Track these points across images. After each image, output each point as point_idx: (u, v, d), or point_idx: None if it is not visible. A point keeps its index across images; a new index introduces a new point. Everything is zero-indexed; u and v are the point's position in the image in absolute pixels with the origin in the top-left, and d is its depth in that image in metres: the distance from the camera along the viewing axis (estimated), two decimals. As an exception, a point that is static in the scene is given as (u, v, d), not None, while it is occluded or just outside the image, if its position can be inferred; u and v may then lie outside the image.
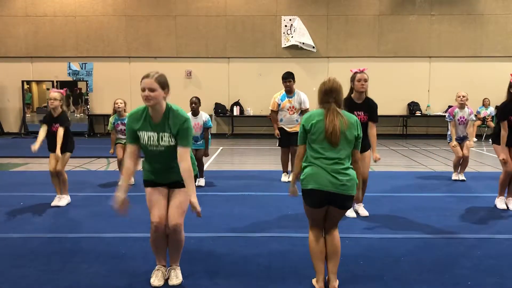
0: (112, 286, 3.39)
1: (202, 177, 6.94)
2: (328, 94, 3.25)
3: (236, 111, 14.40)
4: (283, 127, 7.12)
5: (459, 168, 7.38)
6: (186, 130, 3.20)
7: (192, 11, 14.35)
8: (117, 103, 6.75)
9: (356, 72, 4.95)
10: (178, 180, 3.28)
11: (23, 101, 14.65)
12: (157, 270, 3.42)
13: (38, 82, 15.35)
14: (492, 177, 7.63)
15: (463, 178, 7.32)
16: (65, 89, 5.95)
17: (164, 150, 3.24)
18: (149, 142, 3.23)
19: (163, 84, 3.18)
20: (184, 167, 3.16)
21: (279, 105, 7.04)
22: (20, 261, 3.86)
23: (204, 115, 6.77)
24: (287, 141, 7.11)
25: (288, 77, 6.94)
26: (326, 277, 3.33)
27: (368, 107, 4.99)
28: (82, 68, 14.59)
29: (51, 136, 5.71)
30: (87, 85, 14.62)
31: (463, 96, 7.23)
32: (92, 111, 14.73)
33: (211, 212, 5.45)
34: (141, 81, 3.16)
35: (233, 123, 14.72)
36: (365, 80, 4.90)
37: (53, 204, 5.65)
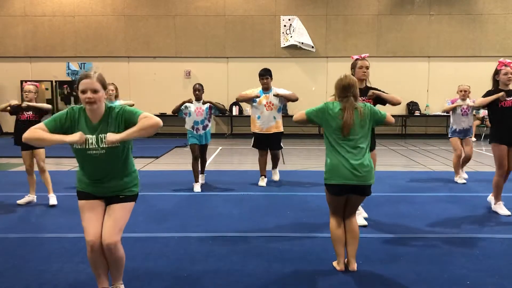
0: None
1: (203, 173, 6.92)
2: (347, 89, 3.51)
3: (235, 111, 14.40)
4: (260, 130, 6.84)
5: (461, 164, 7.16)
6: (129, 112, 2.90)
7: (191, 11, 14.35)
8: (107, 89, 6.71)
9: (357, 59, 4.76)
10: (118, 192, 2.99)
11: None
12: None
13: (37, 82, 15.32)
14: (491, 176, 7.63)
15: (465, 175, 7.20)
16: (37, 84, 6.13)
17: (104, 153, 2.88)
18: (87, 146, 2.86)
19: (104, 83, 2.92)
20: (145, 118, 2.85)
21: (254, 100, 6.77)
22: (18, 261, 3.85)
23: (207, 104, 6.69)
24: (265, 144, 6.91)
25: (265, 74, 6.77)
26: (346, 260, 3.64)
27: (370, 92, 4.75)
28: (81, 68, 14.58)
29: (20, 126, 5.65)
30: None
31: (465, 91, 7.02)
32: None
33: (210, 212, 5.46)
34: (78, 82, 2.87)
35: (232, 123, 14.72)
36: (367, 68, 4.73)
37: (19, 202, 5.65)
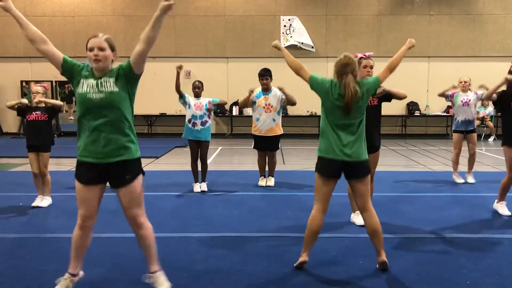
0: (111, 286, 3.39)
1: (204, 181, 6.62)
2: (345, 66, 3.49)
3: (235, 111, 14.40)
4: (259, 132, 6.76)
5: (467, 168, 7.10)
6: (125, 63, 3.02)
7: (191, 11, 14.35)
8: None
9: (361, 58, 4.61)
10: (117, 156, 2.93)
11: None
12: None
13: (37, 82, 15.33)
14: (491, 176, 7.64)
15: (472, 180, 6.98)
16: (46, 85, 6.00)
17: (104, 98, 2.90)
18: (88, 89, 2.91)
19: (112, 45, 3.02)
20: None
21: (254, 102, 6.69)
22: (18, 261, 3.85)
23: (206, 99, 6.57)
24: (264, 145, 6.84)
25: (265, 74, 6.65)
26: (377, 252, 3.64)
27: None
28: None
29: (30, 127, 5.63)
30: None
31: (465, 82, 6.94)
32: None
33: (210, 212, 5.46)
34: (87, 42, 2.99)
35: (232, 123, 14.72)
36: (371, 67, 4.58)
37: (34, 204, 5.61)
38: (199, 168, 6.63)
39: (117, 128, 2.95)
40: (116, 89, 2.94)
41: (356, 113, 3.50)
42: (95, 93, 2.91)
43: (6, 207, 5.60)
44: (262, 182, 6.91)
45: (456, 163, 7.14)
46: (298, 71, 3.66)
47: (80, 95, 2.94)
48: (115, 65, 3.09)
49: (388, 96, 4.73)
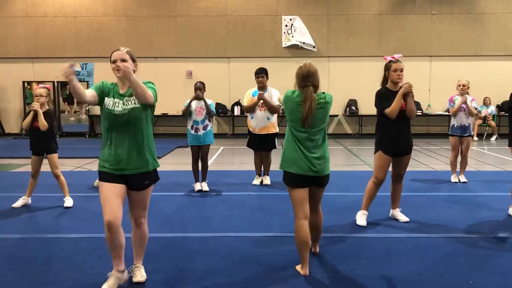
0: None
1: (204, 180, 6.63)
2: (306, 78, 3.45)
3: (236, 111, 14.40)
4: (253, 130, 6.84)
5: (459, 169, 7.22)
6: (146, 85, 3.15)
7: (193, 11, 14.35)
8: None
9: (391, 61, 4.60)
10: (138, 169, 3.18)
11: (24, 102, 14.66)
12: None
13: (39, 83, 15.35)
14: (492, 176, 7.62)
15: (464, 179, 7.09)
16: (49, 86, 5.76)
17: (128, 114, 3.14)
18: (113, 107, 3.16)
19: (133, 57, 3.26)
20: None
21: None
22: (20, 262, 3.86)
23: (208, 100, 6.56)
24: (258, 145, 6.88)
25: (261, 73, 6.68)
26: (312, 244, 3.87)
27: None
28: (83, 69, 14.60)
29: (33, 134, 5.59)
30: (88, 86, 14.62)
31: (463, 86, 6.92)
32: (93, 112, 14.73)
33: (212, 212, 5.46)
34: (110, 55, 3.20)
35: (234, 123, 14.72)
36: (401, 70, 4.57)
37: (15, 205, 5.61)
38: (200, 168, 6.66)
39: (138, 142, 3.20)
40: (138, 105, 3.16)
41: (318, 126, 3.47)
42: (120, 109, 3.15)
43: (7, 208, 5.60)
44: (256, 181, 6.99)
45: (454, 164, 7.20)
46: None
47: (106, 111, 3.18)
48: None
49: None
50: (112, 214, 3.09)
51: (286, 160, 3.55)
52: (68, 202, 5.69)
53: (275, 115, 6.83)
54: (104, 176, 3.19)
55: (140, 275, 3.40)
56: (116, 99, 3.18)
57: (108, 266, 3.54)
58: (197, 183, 6.62)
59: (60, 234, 4.61)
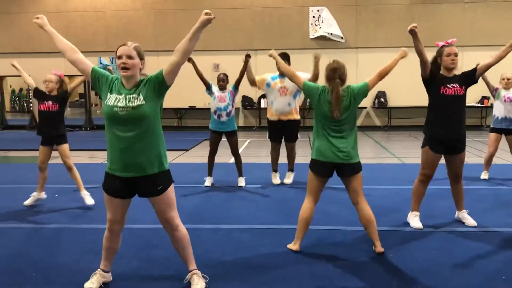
0: (142, 276, 3.45)
1: (241, 175, 6.41)
2: (333, 71, 3.73)
3: (263, 103, 14.37)
4: (274, 117, 6.36)
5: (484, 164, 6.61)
6: (154, 74, 3.01)
7: (219, 4, 14.36)
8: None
9: (443, 46, 4.31)
10: (145, 170, 2.93)
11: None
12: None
13: (70, 77, 15.70)
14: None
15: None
16: (61, 74, 5.34)
17: (131, 113, 2.87)
18: (115, 103, 2.89)
19: (141, 53, 3.02)
20: None
21: (268, 84, 6.44)
22: (51, 249, 3.98)
23: (227, 90, 6.55)
24: (280, 133, 6.39)
25: (283, 58, 6.07)
26: (373, 243, 3.82)
27: (462, 77, 4.32)
28: (112, 63, 14.84)
29: (42, 118, 5.31)
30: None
31: (508, 79, 6.42)
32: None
33: (238, 204, 5.49)
34: (116, 50, 2.96)
35: (261, 116, 14.72)
36: (455, 55, 4.24)
37: (26, 203, 5.34)
38: (215, 161, 6.49)
39: (145, 141, 2.93)
40: (143, 102, 2.91)
41: (345, 118, 3.72)
42: (123, 106, 2.89)
43: (16, 199, 5.48)
44: (275, 179, 6.53)
45: (487, 164, 6.62)
46: (292, 78, 4.08)
47: (107, 107, 2.93)
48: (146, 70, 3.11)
49: (472, 76, 4.34)
50: (116, 214, 3.09)
51: (315, 151, 3.80)
52: (89, 199, 5.34)
53: (296, 101, 6.44)
54: (107, 183, 3.03)
55: (200, 285, 3.14)
56: (118, 96, 2.92)
57: (139, 256, 3.61)
58: (209, 177, 6.43)
59: (84, 225, 4.70)
